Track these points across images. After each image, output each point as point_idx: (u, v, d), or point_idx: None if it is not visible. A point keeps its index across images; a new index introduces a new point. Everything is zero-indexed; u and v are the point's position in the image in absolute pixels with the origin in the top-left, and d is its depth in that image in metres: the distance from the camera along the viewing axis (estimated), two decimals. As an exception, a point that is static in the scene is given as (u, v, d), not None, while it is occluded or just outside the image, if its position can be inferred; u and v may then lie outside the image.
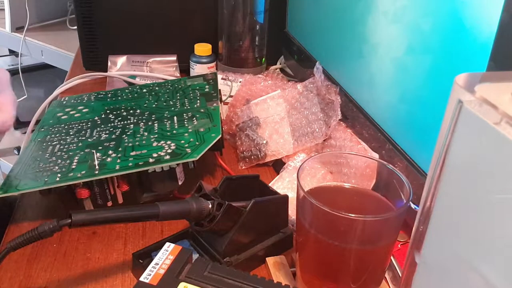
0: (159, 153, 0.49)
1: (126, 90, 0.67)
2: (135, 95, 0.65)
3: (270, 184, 0.53)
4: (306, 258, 0.41)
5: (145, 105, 0.62)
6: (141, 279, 0.33)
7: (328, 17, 0.69)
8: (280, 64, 0.93)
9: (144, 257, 0.45)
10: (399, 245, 0.47)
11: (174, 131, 0.53)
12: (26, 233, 0.36)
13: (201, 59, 0.84)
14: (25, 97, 1.39)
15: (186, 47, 0.85)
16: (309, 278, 0.41)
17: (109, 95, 0.67)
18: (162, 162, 0.47)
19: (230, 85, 0.74)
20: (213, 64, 0.85)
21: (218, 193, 0.45)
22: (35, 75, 1.55)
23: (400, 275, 0.43)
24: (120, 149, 0.51)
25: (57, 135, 0.57)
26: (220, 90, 0.63)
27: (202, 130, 0.52)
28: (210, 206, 0.42)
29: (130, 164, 0.48)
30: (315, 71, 0.65)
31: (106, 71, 0.85)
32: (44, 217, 0.52)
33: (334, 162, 0.43)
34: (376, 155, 0.54)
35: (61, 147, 0.53)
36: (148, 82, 0.81)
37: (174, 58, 0.86)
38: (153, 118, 0.57)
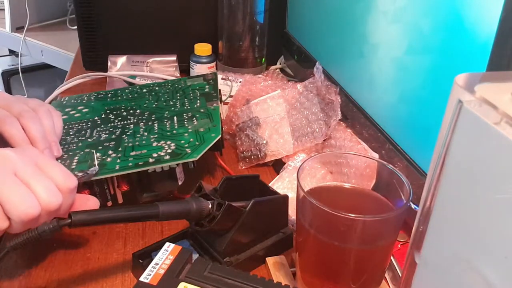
0: (159, 153, 0.49)
1: (126, 90, 0.67)
2: (135, 95, 0.65)
3: (270, 184, 0.53)
4: (306, 258, 0.41)
5: (145, 105, 0.62)
6: (141, 279, 0.33)
7: (328, 17, 0.69)
8: (280, 64, 0.93)
9: (144, 257, 0.45)
10: (399, 245, 0.47)
11: (174, 131, 0.53)
12: (26, 233, 0.36)
13: (201, 59, 0.84)
14: (25, 96, 1.39)
15: (186, 47, 0.85)
16: (309, 278, 0.41)
17: (109, 95, 0.67)
18: (162, 162, 0.47)
19: (230, 85, 0.74)
20: (213, 64, 0.85)
21: (218, 193, 0.45)
22: (35, 75, 1.55)
23: (400, 275, 0.43)
24: (120, 149, 0.51)
25: (57, 135, 0.57)
26: (220, 90, 0.62)
27: (202, 130, 0.52)
28: (210, 206, 0.42)
29: (130, 164, 0.48)
30: (315, 71, 0.65)
31: (106, 71, 0.85)
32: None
33: (334, 162, 0.43)
34: (376, 155, 0.54)
35: (61, 147, 0.53)
36: (148, 82, 0.81)
37: (174, 58, 0.86)
38: (153, 118, 0.57)
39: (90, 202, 0.42)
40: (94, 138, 0.54)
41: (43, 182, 0.38)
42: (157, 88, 0.66)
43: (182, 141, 0.51)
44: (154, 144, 0.51)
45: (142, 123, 0.56)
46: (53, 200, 0.38)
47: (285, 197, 0.47)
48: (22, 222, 0.36)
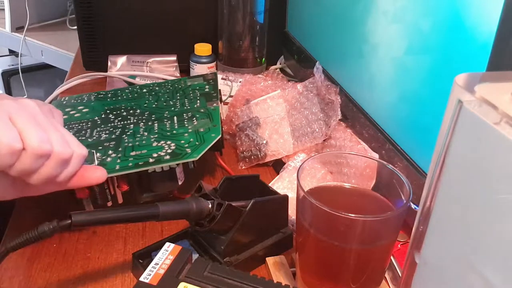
0: (159, 153, 0.49)
1: (126, 90, 0.67)
2: (135, 95, 0.65)
3: (270, 184, 0.53)
4: (306, 258, 0.41)
5: (145, 105, 0.62)
6: (141, 279, 0.33)
7: (328, 17, 0.69)
8: (280, 64, 0.93)
9: (144, 257, 0.45)
10: (399, 245, 0.47)
11: (174, 131, 0.53)
12: (25, 234, 0.36)
13: (201, 59, 0.84)
14: (25, 97, 1.38)
15: (186, 47, 0.85)
16: (309, 278, 0.41)
17: (109, 95, 0.66)
18: (162, 162, 0.47)
19: (230, 85, 0.74)
20: (213, 64, 0.85)
21: (218, 193, 0.45)
22: (35, 75, 1.55)
23: (400, 275, 0.43)
24: (120, 149, 0.51)
25: (57, 135, 0.56)
26: (220, 90, 0.62)
27: (202, 130, 0.52)
28: (210, 206, 0.42)
29: (130, 164, 0.48)
30: (315, 71, 0.65)
31: (106, 71, 0.85)
32: (44, 217, 0.52)
33: (334, 162, 0.43)
34: (376, 155, 0.54)
35: (61, 147, 0.53)
36: (148, 82, 0.81)
37: (174, 58, 0.86)
38: (153, 118, 0.57)
39: (98, 173, 0.43)
40: (94, 138, 0.54)
41: (58, 134, 0.39)
42: (157, 88, 0.66)
43: (182, 141, 0.51)
44: (154, 144, 0.51)
45: (142, 123, 0.56)
46: (66, 149, 0.39)
47: (285, 197, 0.47)
48: (33, 155, 0.36)
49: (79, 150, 0.40)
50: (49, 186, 0.41)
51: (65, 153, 0.39)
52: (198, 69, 0.84)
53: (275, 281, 0.35)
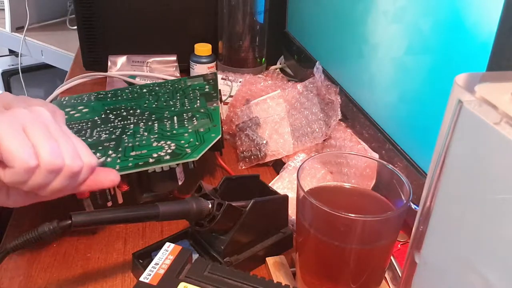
0: (159, 153, 0.49)
1: (126, 90, 0.67)
2: (135, 95, 0.65)
3: (270, 184, 0.53)
4: (306, 258, 0.41)
5: (145, 105, 0.62)
6: (141, 279, 0.33)
7: (328, 17, 0.69)
8: (280, 64, 0.93)
9: (144, 257, 0.45)
10: (399, 245, 0.47)
11: (174, 131, 0.53)
12: (25, 234, 0.36)
13: (201, 59, 0.84)
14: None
15: (186, 47, 0.85)
16: (309, 278, 0.41)
17: (109, 95, 0.66)
18: (162, 162, 0.47)
19: (230, 85, 0.74)
20: (213, 64, 0.85)
21: (218, 193, 0.45)
22: (35, 75, 1.55)
23: (400, 275, 0.43)
24: (120, 149, 0.51)
25: (57, 135, 0.56)
26: (220, 90, 0.62)
27: (202, 130, 0.52)
28: (210, 206, 0.42)
29: (130, 164, 0.48)
30: (315, 71, 0.65)
31: (106, 71, 0.85)
32: (44, 217, 0.52)
33: (334, 162, 0.43)
34: (376, 155, 0.54)
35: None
36: (148, 82, 0.81)
37: (174, 58, 0.86)
38: (153, 118, 0.57)
39: (112, 176, 0.42)
40: (94, 138, 0.54)
41: (70, 145, 0.38)
42: (157, 88, 0.66)
43: (182, 141, 0.51)
44: (154, 144, 0.51)
45: (142, 123, 0.56)
46: (76, 162, 0.38)
47: (285, 197, 0.47)
48: (45, 171, 0.36)
49: (89, 160, 0.40)
50: (60, 192, 0.41)
51: (76, 166, 0.38)
52: (198, 69, 0.84)
53: (275, 281, 0.35)
